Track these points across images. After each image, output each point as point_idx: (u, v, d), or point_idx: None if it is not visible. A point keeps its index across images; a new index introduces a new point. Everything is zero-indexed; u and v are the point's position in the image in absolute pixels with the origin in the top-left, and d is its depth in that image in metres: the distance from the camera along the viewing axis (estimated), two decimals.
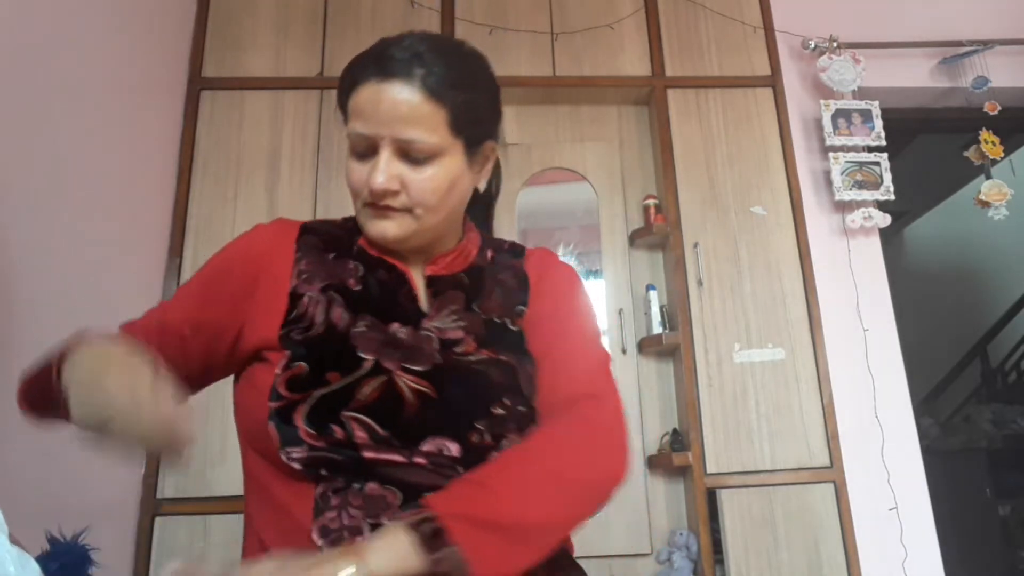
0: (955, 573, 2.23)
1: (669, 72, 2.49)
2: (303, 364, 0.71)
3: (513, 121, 2.56)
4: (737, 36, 2.54)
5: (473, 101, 0.79)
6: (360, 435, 0.69)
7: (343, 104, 0.80)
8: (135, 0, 1.97)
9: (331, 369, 0.71)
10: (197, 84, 2.33)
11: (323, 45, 2.42)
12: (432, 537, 0.60)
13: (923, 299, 5.47)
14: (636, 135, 2.57)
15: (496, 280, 0.86)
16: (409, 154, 0.75)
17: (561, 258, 0.98)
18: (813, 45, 2.52)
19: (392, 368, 0.73)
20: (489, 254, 0.89)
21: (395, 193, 0.76)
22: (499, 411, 0.73)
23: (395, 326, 0.76)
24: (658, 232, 2.35)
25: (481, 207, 0.95)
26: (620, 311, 2.37)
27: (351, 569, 0.57)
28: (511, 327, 0.82)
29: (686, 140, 2.41)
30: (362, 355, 0.73)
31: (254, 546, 0.73)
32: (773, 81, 2.49)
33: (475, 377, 0.76)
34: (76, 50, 1.64)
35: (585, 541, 2.15)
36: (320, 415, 0.69)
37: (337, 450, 0.68)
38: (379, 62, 0.75)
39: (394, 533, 0.61)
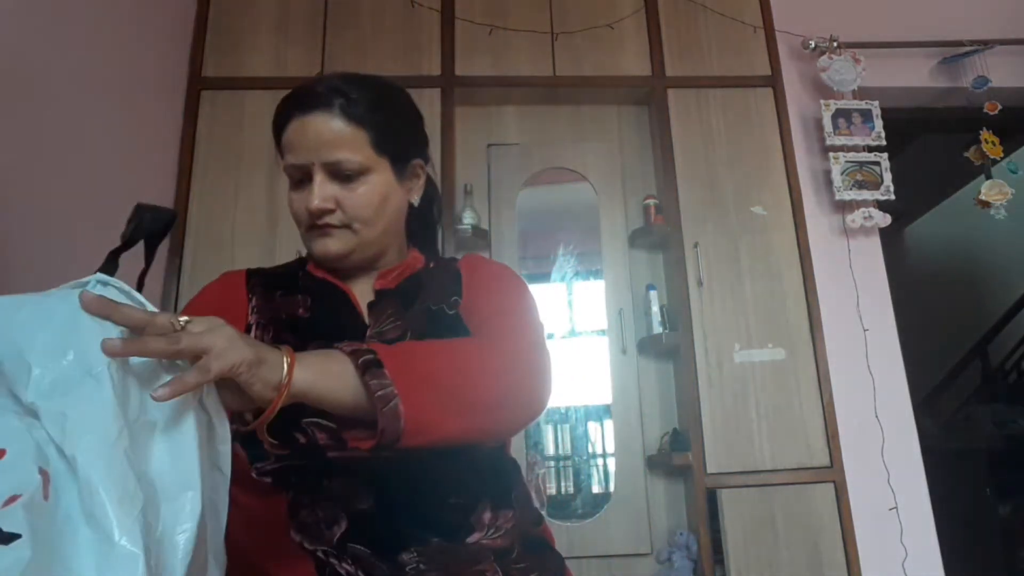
0: (955, 573, 2.23)
1: (669, 72, 2.49)
2: None
3: (513, 121, 2.56)
4: (737, 36, 2.54)
5: (392, 122, 0.86)
6: (321, 436, 0.71)
7: (278, 145, 0.87)
8: (135, 0, 1.97)
9: None
10: (197, 84, 2.33)
11: (323, 45, 2.42)
12: (369, 366, 0.63)
13: (923, 299, 5.47)
14: (636, 135, 2.57)
15: (433, 279, 0.91)
16: (340, 174, 0.82)
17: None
18: (813, 45, 2.52)
19: None
20: (431, 265, 0.95)
21: (331, 211, 0.82)
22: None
23: (343, 344, 0.80)
24: (658, 232, 2.35)
25: (428, 232, 1.02)
26: (620, 311, 2.37)
27: (287, 360, 0.60)
28: (448, 311, 0.87)
29: (686, 140, 2.41)
30: None
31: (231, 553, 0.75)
32: (773, 81, 2.49)
33: None
34: (76, 50, 1.64)
35: (585, 541, 2.16)
36: (281, 425, 0.70)
37: (303, 456, 0.71)
38: (301, 99, 0.83)
39: (333, 354, 0.65)
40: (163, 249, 2.15)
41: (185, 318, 0.56)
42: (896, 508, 2.17)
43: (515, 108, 2.56)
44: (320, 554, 0.69)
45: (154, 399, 0.52)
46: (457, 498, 0.74)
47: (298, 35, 2.42)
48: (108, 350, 0.51)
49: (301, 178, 0.84)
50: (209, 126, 2.30)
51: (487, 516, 0.75)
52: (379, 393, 0.62)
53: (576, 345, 2.41)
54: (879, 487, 2.18)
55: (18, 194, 1.38)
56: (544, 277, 2.45)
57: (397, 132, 0.87)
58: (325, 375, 0.63)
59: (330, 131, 0.81)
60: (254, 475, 0.71)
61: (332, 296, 0.86)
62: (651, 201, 2.41)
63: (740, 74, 2.50)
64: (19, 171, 1.39)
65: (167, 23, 2.23)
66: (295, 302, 0.85)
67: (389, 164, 0.86)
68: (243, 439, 0.71)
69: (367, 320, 0.84)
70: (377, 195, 0.84)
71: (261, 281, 0.88)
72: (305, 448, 0.71)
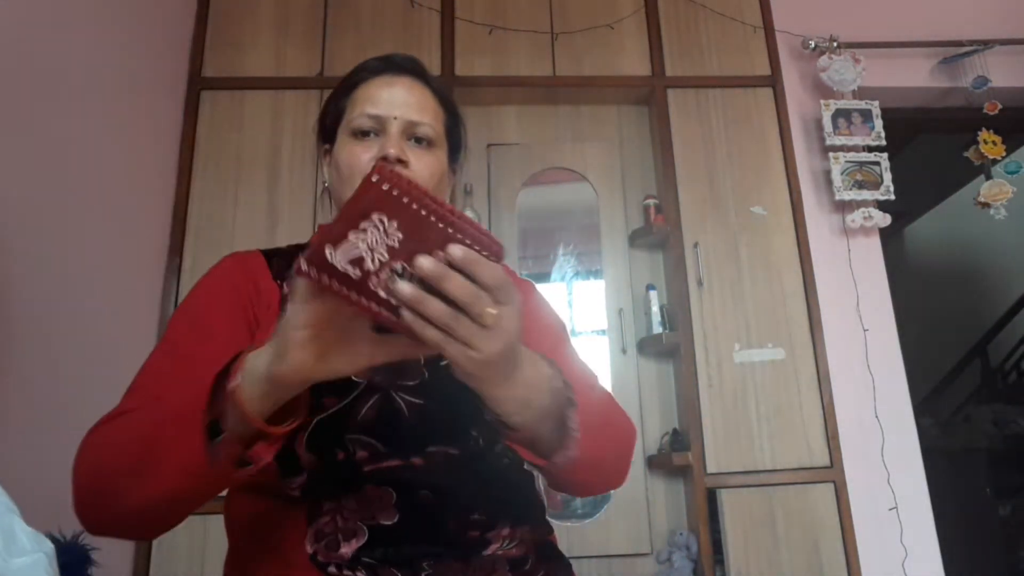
0: (955, 573, 2.23)
1: (669, 72, 2.49)
2: None
3: (513, 121, 2.56)
4: (737, 36, 2.54)
5: (458, 116, 0.89)
6: (361, 454, 0.69)
7: (341, 102, 0.85)
8: (135, 0, 1.97)
9: (326, 394, 0.69)
10: (197, 84, 2.33)
11: (323, 45, 2.42)
12: (567, 402, 0.64)
13: (923, 299, 5.47)
14: (636, 135, 2.57)
15: None
16: (413, 137, 0.81)
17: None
18: (813, 45, 2.52)
19: (385, 386, 0.73)
20: None
21: (404, 163, 0.79)
22: (490, 417, 0.72)
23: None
24: (658, 232, 2.35)
25: None
26: (620, 311, 2.37)
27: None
28: None
29: (686, 140, 2.41)
30: (354, 379, 0.72)
31: (237, 558, 0.72)
32: (773, 81, 2.49)
33: (463, 387, 0.74)
34: (76, 50, 1.64)
35: (585, 541, 2.16)
36: (321, 440, 0.68)
37: (338, 470, 0.69)
38: (390, 62, 0.85)
39: (544, 365, 0.63)
40: (163, 249, 2.16)
41: (492, 311, 0.50)
42: (896, 508, 2.17)
43: (515, 108, 2.56)
44: (332, 568, 0.66)
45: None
46: (480, 514, 0.72)
47: (298, 35, 2.43)
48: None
49: (369, 130, 0.81)
50: (209, 126, 2.30)
51: (505, 531, 0.73)
52: (559, 423, 0.64)
53: (576, 345, 2.40)
54: (879, 487, 2.18)
55: (18, 194, 1.38)
56: (544, 277, 2.44)
57: (459, 127, 0.90)
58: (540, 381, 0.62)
59: (419, 95, 0.83)
60: (284, 488, 0.69)
61: None
62: (651, 201, 2.41)
63: (740, 74, 2.50)
64: (19, 171, 1.39)
65: (167, 23, 2.23)
66: None
67: (447, 151, 0.87)
68: (280, 453, 0.65)
69: None
70: (439, 170, 0.83)
71: (283, 264, 0.82)
72: (342, 463, 0.69)
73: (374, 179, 0.46)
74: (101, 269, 1.72)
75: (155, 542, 1.94)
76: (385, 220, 0.47)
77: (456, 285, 0.48)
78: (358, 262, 0.47)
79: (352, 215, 0.46)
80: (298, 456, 0.68)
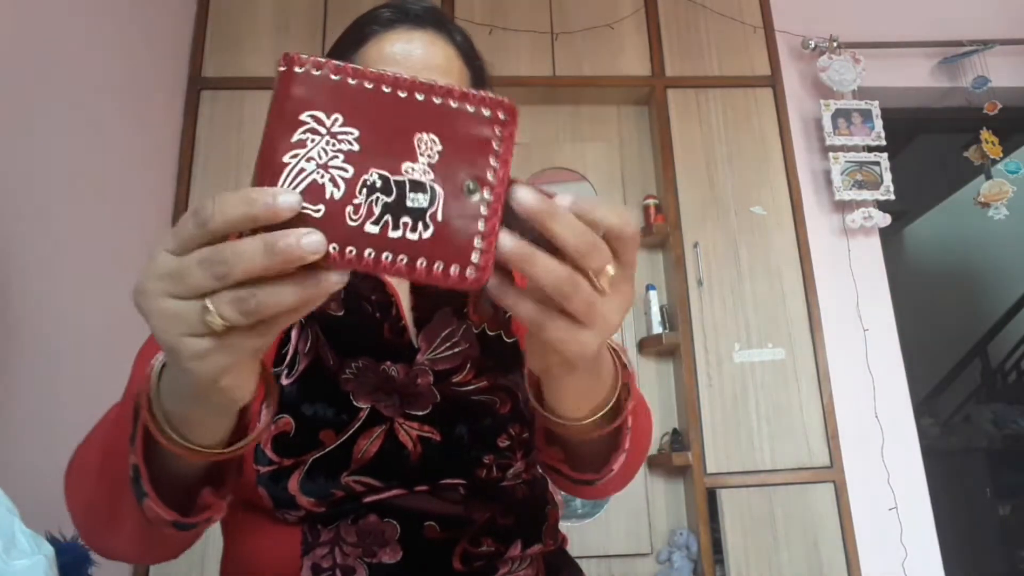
0: (955, 573, 2.23)
1: (669, 72, 2.49)
2: (288, 419, 0.64)
3: None
4: (737, 36, 2.54)
5: (484, 73, 0.77)
6: (360, 490, 0.64)
7: (347, 59, 0.71)
8: (135, 0, 1.97)
9: (323, 426, 0.64)
10: (197, 84, 2.33)
11: (323, 45, 2.42)
12: (624, 390, 0.52)
13: (923, 299, 5.47)
14: (636, 135, 2.57)
15: None
16: None
17: None
18: (813, 45, 2.52)
19: (392, 415, 0.67)
20: None
21: None
22: (505, 443, 0.70)
23: (387, 364, 0.69)
24: (658, 232, 2.36)
25: None
26: None
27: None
28: (506, 339, 0.77)
29: (686, 140, 2.41)
30: (357, 404, 0.66)
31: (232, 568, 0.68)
32: (773, 81, 2.50)
33: (478, 410, 0.70)
34: (76, 50, 1.64)
35: (585, 541, 2.16)
36: (317, 481, 0.63)
37: (337, 506, 0.64)
38: (406, 13, 0.72)
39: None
40: None
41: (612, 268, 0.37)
42: (896, 508, 2.17)
43: None
44: None
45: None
46: (489, 545, 0.67)
47: (298, 35, 2.43)
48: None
49: None
50: (209, 126, 2.30)
51: (515, 552, 0.69)
52: (612, 406, 0.52)
53: None
54: (879, 487, 2.18)
55: (18, 194, 1.38)
56: None
57: (486, 87, 0.77)
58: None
59: (444, 56, 0.71)
60: (277, 515, 0.64)
61: (371, 292, 0.72)
62: (651, 201, 2.41)
63: (740, 74, 2.50)
64: (19, 171, 1.39)
65: (167, 23, 2.23)
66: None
67: None
68: (269, 483, 0.62)
69: (414, 339, 0.72)
70: None
71: None
72: (342, 500, 0.64)
73: (283, 67, 0.32)
74: (101, 269, 1.72)
75: None
76: (324, 118, 0.32)
77: (570, 229, 0.34)
78: (315, 192, 0.32)
79: (277, 130, 0.32)
80: (293, 495, 0.62)
